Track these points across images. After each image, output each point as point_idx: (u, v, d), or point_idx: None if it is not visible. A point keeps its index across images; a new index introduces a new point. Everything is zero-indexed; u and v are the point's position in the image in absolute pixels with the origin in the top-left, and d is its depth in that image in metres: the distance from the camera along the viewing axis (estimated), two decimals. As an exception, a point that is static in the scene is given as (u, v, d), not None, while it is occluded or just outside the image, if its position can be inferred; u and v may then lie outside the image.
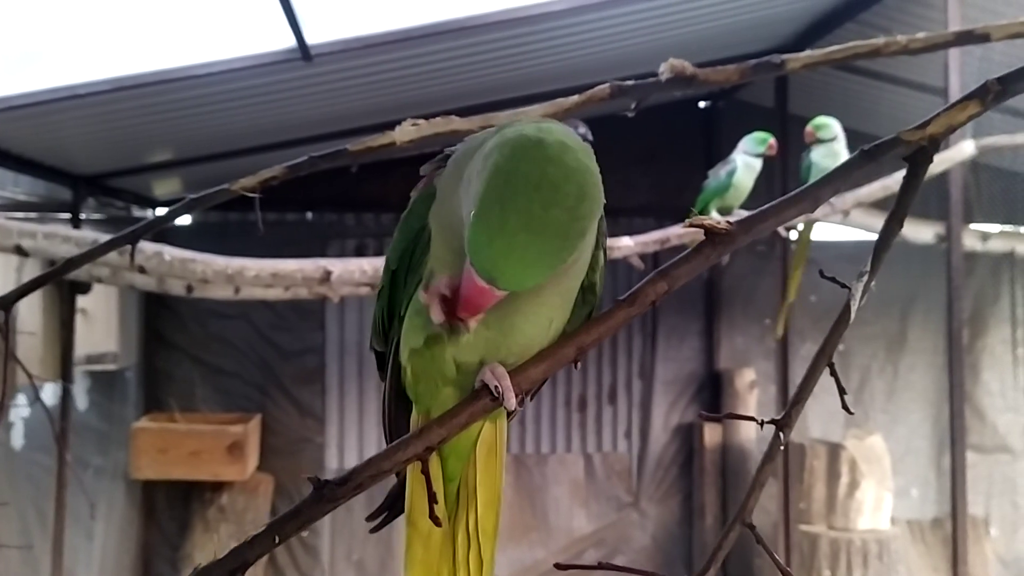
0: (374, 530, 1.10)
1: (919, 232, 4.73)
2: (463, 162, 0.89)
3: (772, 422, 1.00)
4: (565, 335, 0.94)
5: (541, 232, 0.76)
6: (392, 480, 1.04)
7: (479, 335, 0.90)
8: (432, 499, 0.84)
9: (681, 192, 6.49)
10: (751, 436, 6.10)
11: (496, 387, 0.87)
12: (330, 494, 0.79)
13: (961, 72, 3.99)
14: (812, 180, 3.40)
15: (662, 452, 6.48)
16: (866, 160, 0.95)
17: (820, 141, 4.15)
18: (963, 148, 4.16)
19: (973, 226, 5.00)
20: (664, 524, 6.46)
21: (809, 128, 4.18)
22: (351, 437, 6.21)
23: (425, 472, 0.84)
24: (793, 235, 4.93)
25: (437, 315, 0.88)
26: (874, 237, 1.04)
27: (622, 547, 6.40)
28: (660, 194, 6.33)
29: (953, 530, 3.98)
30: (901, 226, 1.02)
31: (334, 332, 6.21)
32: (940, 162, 4.02)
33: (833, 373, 1.00)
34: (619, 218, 6.08)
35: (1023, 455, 5.99)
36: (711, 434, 6.28)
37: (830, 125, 4.15)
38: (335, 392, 6.21)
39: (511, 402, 0.87)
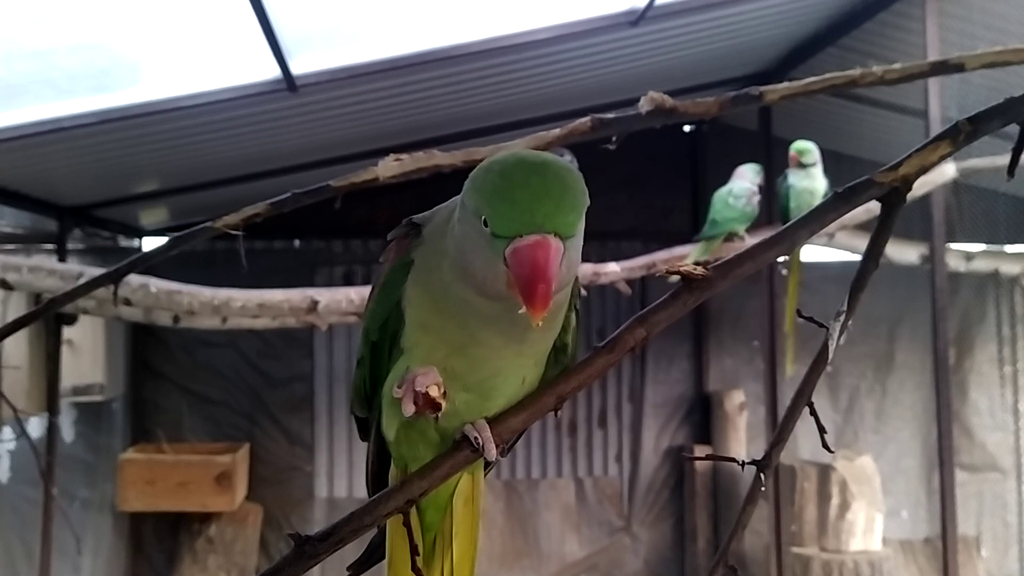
0: None
1: (904, 253, 4.77)
2: (443, 227, 0.91)
3: (753, 463, 1.01)
4: (545, 384, 0.94)
5: (551, 178, 0.81)
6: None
7: (460, 399, 0.91)
8: (414, 551, 0.84)
9: (667, 215, 6.54)
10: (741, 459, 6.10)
11: (476, 438, 0.88)
12: (311, 550, 0.79)
13: (941, 95, 4.03)
14: (791, 203, 3.38)
15: (653, 475, 6.47)
16: (840, 202, 0.96)
17: (802, 165, 4.19)
18: (945, 170, 4.20)
19: (957, 246, 5.04)
20: (656, 548, 6.43)
21: (793, 152, 4.23)
22: (341, 465, 6.17)
23: (407, 525, 0.84)
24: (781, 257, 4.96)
25: (408, 409, 0.88)
26: (859, 258, 1.05)
27: (615, 572, 6.37)
28: (646, 218, 6.36)
29: (944, 550, 3.97)
30: (877, 265, 1.03)
31: (323, 360, 6.19)
32: (922, 184, 4.06)
33: (813, 413, 1.01)
34: (606, 242, 6.11)
35: (1013, 474, 6.01)
36: (701, 457, 6.28)
37: (812, 151, 4.21)
38: (324, 420, 6.18)
39: (491, 453, 0.87)
